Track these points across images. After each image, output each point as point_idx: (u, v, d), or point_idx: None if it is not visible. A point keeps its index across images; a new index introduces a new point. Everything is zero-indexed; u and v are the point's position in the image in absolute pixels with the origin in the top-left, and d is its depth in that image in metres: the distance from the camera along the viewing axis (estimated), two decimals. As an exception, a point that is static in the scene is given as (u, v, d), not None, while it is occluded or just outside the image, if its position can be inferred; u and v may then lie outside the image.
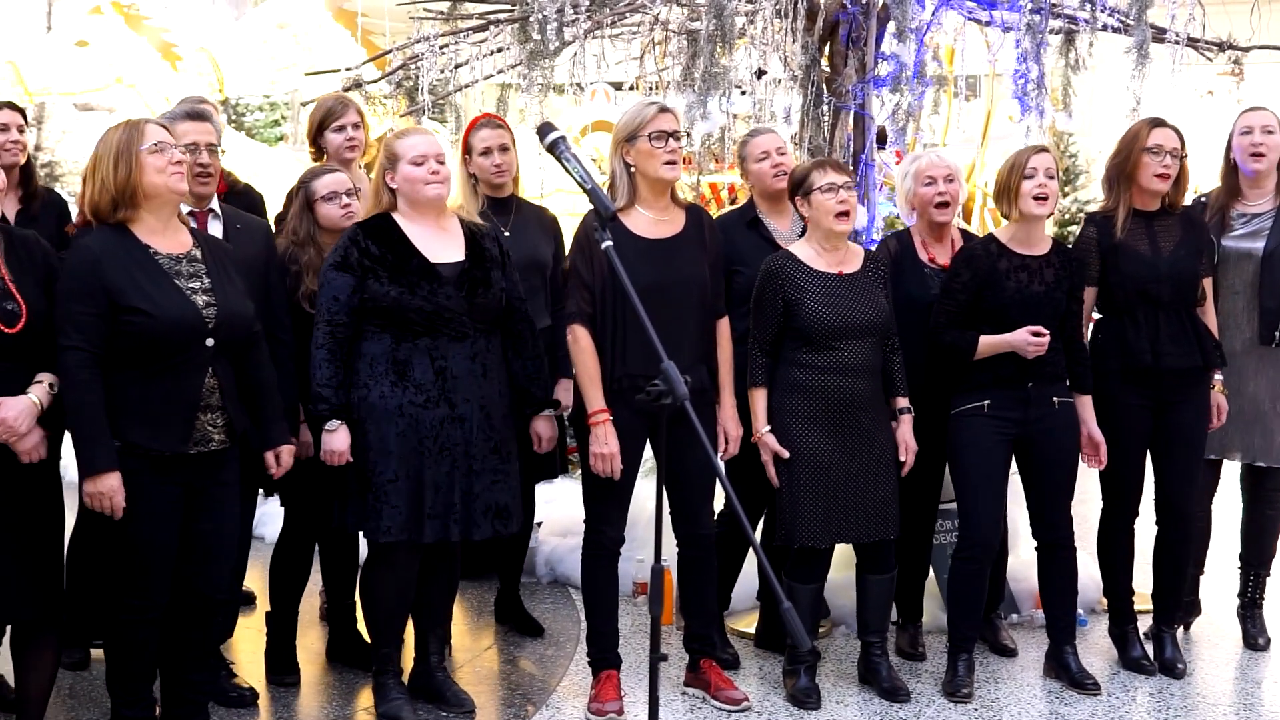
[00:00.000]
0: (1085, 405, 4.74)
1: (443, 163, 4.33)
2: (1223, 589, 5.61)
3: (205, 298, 3.81)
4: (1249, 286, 5.00)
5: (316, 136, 5.15)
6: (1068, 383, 4.71)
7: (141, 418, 3.72)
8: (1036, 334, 4.48)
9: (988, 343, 4.57)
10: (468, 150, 5.10)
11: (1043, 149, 4.66)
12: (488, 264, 4.36)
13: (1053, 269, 4.64)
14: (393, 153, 4.32)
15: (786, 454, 4.48)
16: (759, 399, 4.55)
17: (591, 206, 3.69)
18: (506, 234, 4.98)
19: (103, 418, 3.66)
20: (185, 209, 4.10)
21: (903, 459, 4.62)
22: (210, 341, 3.80)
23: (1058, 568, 4.77)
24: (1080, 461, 4.75)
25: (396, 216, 4.33)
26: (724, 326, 4.56)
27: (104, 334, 3.67)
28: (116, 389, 3.69)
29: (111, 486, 3.65)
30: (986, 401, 4.61)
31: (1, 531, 3.63)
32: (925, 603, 5.22)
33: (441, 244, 4.33)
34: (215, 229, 4.40)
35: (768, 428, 4.53)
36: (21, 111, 5.15)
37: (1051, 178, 4.57)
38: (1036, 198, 4.56)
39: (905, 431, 4.64)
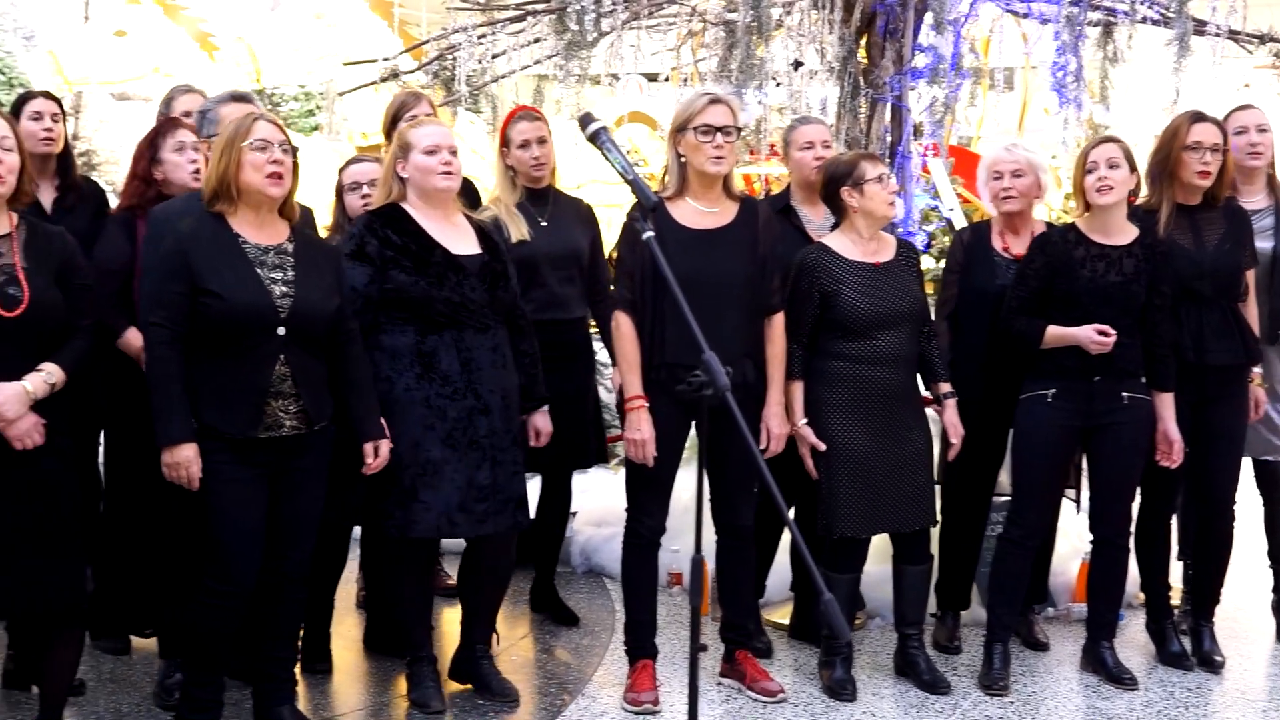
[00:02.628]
0: (1164, 403, 4.64)
1: (455, 154, 4.34)
2: (1248, 583, 5.60)
3: (284, 289, 3.86)
4: (1255, 285, 4.95)
5: (390, 129, 5.16)
6: (1143, 379, 4.64)
7: (213, 399, 3.79)
8: (1103, 333, 4.45)
9: (1054, 334, 4.55)
10: (505, 142, 5.10)
11: (1105, 140, 4.63)
12: (503, 257, 4.40)
13: (1133, 260, 4.58)
14: (406, 142, 4.33)
15: (823, 446, 4.49)
16: (795, 391, 4.56)
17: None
18: (544, 224, 5.00)
19: (180, 391, 3.74)
20: None
21: (953, 441, 4.64)
22: (281, 330, 3.84)
23: (1107, 565, 4.74)
24: (1156, 460, 4.67)
25: (407, 206, 4.34)
26: (777, 322, 4.52)
27: (185, 313, 3.76)
28: (193, 369, 3.78)
29: (187, 457, 3.72)
30: (1052, 390, 4.59)
31: (20, 523, 3.64)
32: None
33: (455, 236, 4.35)
34: None
35: (804, 420, 4.53)
36: (58, 101, 5.17)
37: (1114, 167, 4.52)
38: (1099, 189, 4.55)
39: (951, 415, 4.65)
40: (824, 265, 4.53)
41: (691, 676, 3.12)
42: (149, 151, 4.61)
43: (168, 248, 3.84)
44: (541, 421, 4.59)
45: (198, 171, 4.59)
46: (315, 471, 4.04)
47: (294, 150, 3.98)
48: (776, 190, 5.37)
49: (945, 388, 4.68)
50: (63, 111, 5.15)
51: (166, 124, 4.70)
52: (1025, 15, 6.31)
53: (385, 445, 4.13)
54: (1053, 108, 6.31)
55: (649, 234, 3.31)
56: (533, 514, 4.75)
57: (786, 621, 5.30)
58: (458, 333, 4.24)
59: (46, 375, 3.65)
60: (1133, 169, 4.60)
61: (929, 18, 5.85)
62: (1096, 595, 4.81)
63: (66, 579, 3.74)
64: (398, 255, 4.22)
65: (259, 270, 3.86)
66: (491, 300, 4.29)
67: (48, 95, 5.13)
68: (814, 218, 5.03)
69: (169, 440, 3.73)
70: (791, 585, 5.38)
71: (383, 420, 4.15)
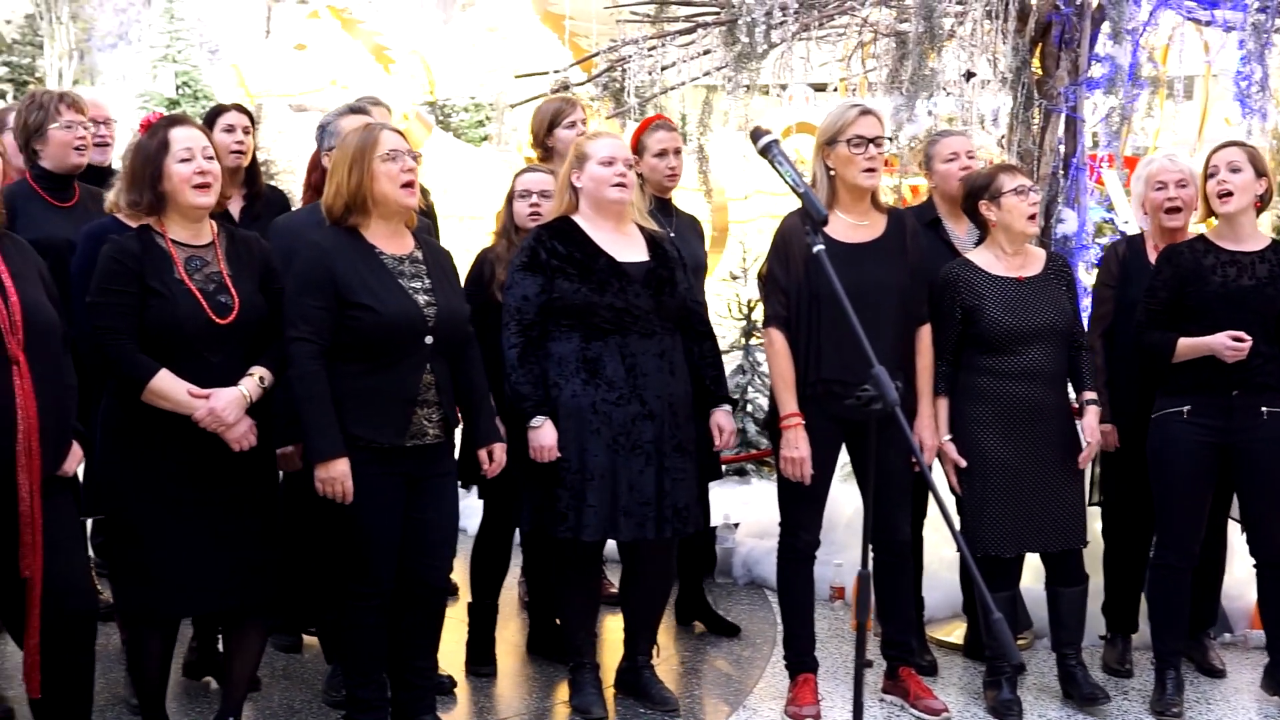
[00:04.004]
0: None
1: (631, 167, 4.39)
2: None
3: (426, 297, 3.94)
4: None
5: (545, 136, 5.23)
6: None
7: (362, 410, 3.85)
8: (1237, 339, 4.31)
9: (1186, 345, 4.42)
10: (639, 150, 5.13)
11: (1229, 144, 4.49)
12: (671, 264, 4.41)
13: (1267, 265, 4.44)
14: (582, 153, 4.39)
15: (964, 463, 4.45)
16: (940, 407, 4.52)
17: (795, 210, 3.67)
18: (670, 235, 5.03)
19: (330, 406, 3.80)
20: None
21: (1088, 441, 4.52)
22: (429, 339, 3.91)
23: (1273, 588, 4.58)
24: None
25: (577, 218, 4.39)
26: (925, 334, 4.49)
27: (331, 327, 3.82)
28: (339, 382, 3.83)
29: (341, 472, 3.79)
30: (1187, 407, 4.46)
31: (231, 523, 3.78)
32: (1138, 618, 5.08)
33: (624, 245, 4.38)
34: None
35: (949, 436, 4.49)
36: (248, 114, 5.33)
37: (1236, 171, 4.38)
38: (1220, 195, 4.41)
39: (1090, 420, 4.55)
40: (965, 280, 4.48)
41: (856, 692, 3.11)
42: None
43: (309, 261, 3.89)
44: (724, 419, 4.54)
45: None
46: (451, 476, 4.12)
47: (417, 157, 4.03)
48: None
49: (1089, 395, 4.58)
50: (253, 124, 5.31)
51: None
52: (1208, 23, 6.12)
53: (500, 450, 4.19)
54: (1234, 118, 6.11)
55: (819, 247, 3.29)
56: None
57: (952, 639, 5.23)
58: (622, 339, 4.27)
59: (259, 379, 3.78)
60: (1260, 174, 4.44)
61: (1106, 27, 5.72)
62: (1272, 619, 4.62)
63: (264, 575, 3.89)
64: (563, 264, 4.27)
65: (400, 281, 3.93)
66: (657, 306, 4.31)
67: (239, 109, 5.28)
68: (959, 233, 4.98)
69: (323, 456, 3.79)
70: (964, 606, 5.28)
71: (500, 425, 4.24)
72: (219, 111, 5.23)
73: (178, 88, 13.56)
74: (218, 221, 3.91)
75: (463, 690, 4.75)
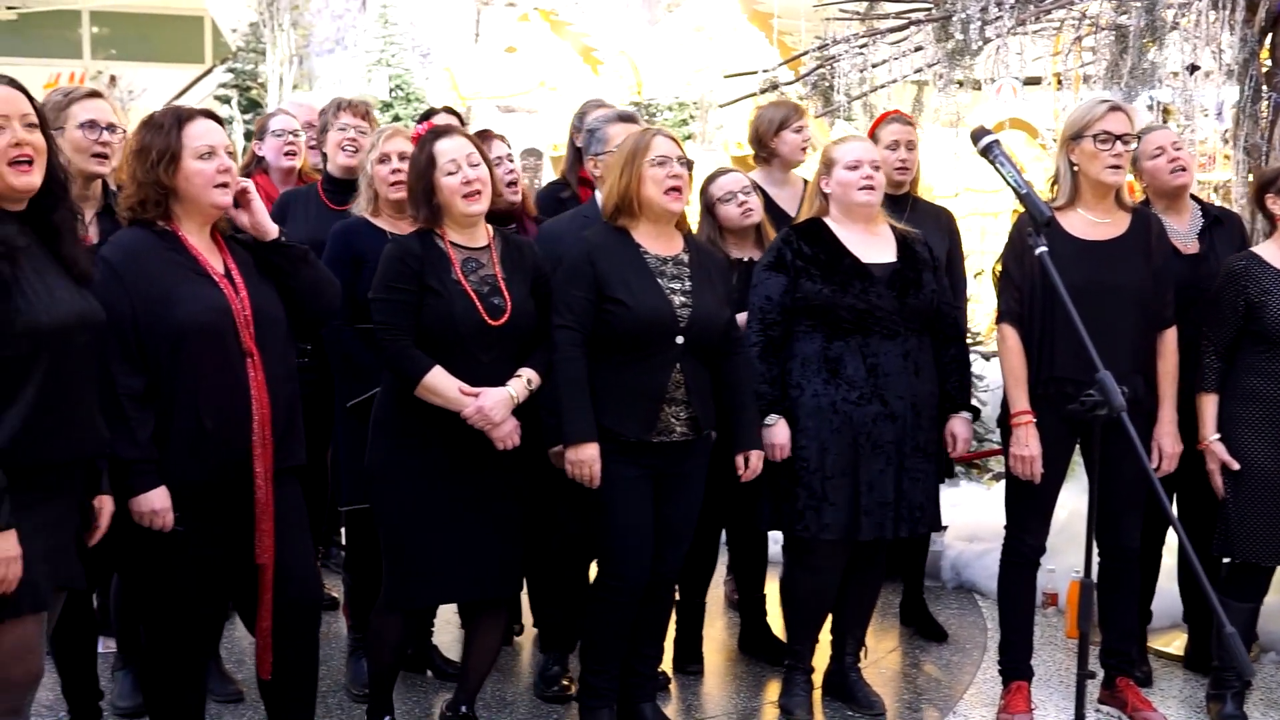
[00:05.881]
0: None
1: (878, 169, 4.36)
2: None
3: (683, 298, 4.00)
4: None
5: (771, 139, 5.19)
6: None
7: (611, 403, 3.94)
8: None
9: None
10: (873, 141, 5.07)
11: None
12: (919, 266, 4.36)
13: None
14: (830, 158, 4.40)
15: (1236, 465, 4.29)
16: (1208, 405, 4.36)
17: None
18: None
19: (586, 392, 3.91)
20: None
21: None
22: (680, 339, 3.98)
23: None
24: None
25: (828, 220, 4.40)
26: (1169, 336, 4.35)
27: (592, 318, 3.93)
28: (593, 374, 3.93)
29: (591, 455, 3.88)
30: None
31: (489, 518, 3.89)
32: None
33: (872, 246, 4.36)
34: None
35: (1216, 435, 4.33)
36: (459, 116, 5.35)
37: None
38: None
39: None
40: (1252, 274, 4.31)
41: (1078, 703, 3.06)
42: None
43: (576, 255, 4.01)
44: (960, 428, 4.48)
45: (513, 184, 4.80)
46: (696, 476, 4.15)
47: (690, 164, 4.09)
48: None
49: None
50: (462, 125, 5.41)
51: (480, 138, 4.75)
52: None
53: (757, 456, 4.19)
54: None
55: (1042, 249, 3.24)
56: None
57: (1171, 649, 5.07)
58: (864, 339, 4.26)
59: (527, 381, 3.89)
60: None
61: (1342, 16, 5.49)
62: None
63: (512, 570, 4.01)
64: (808, 265, 4.28)
65: (659, 280, 4.00)
66: (901, 307, 4.28)
67: (449, 110, 5.37)
68: (1179, 227, 4.79)
69: (575, 438, 3.89)
70: (1185, 615, 5.11)
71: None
72: (429, 115, 5.29)
73: (390, 90, 13.96)
74: (495, 227, 4.03)
75: (672, 688, 4.79)
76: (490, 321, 3.80)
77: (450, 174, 3.81)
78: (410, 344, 3.77)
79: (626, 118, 4.86)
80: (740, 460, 4.18)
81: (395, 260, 3.81)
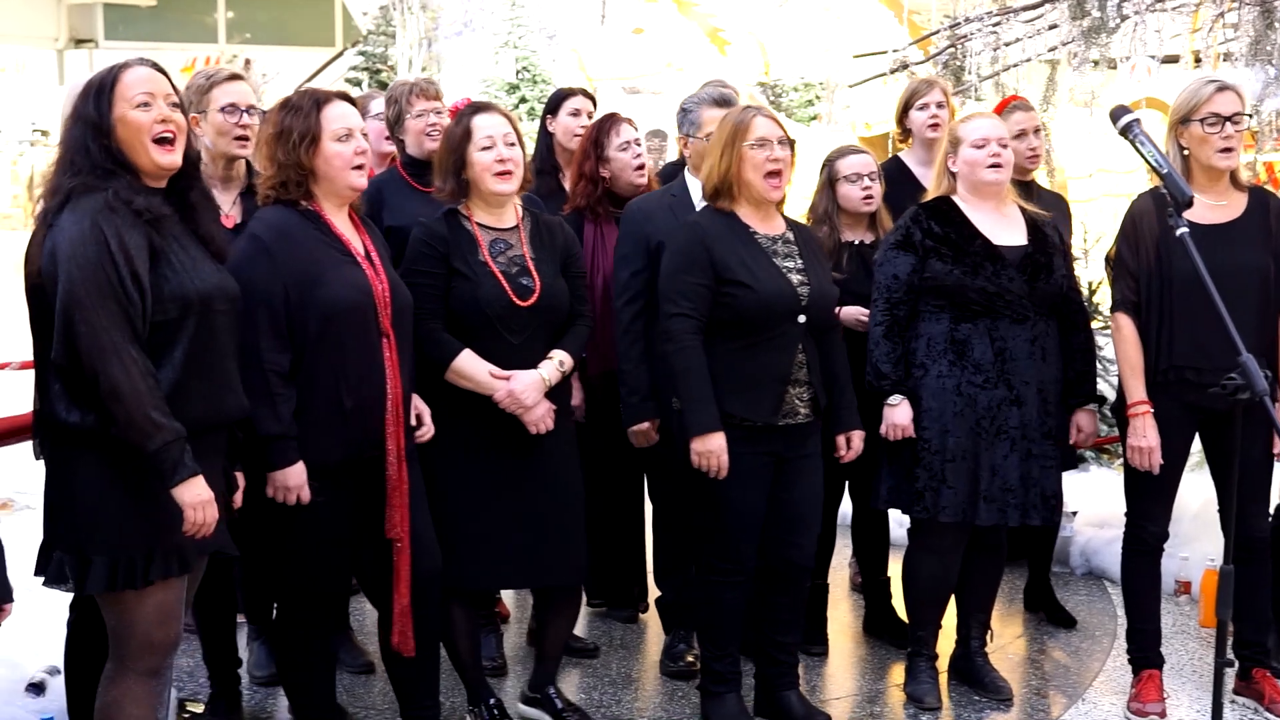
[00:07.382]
0: None
1: (1005, 146, 4.30)
2: None
3: (799, 277, 3.98)
4: None
5: (902, 117, 5.20)
6: None
7: (737, 388, 3.91)
8: None
9: None
10: None
11: None
12: (1050, 250, 4.30)
13: None
14: (956, 136, 4.34)
15: None
16: None
17: (1146, 191, 3.54)
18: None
19: (708, 381, 3.87)
20: None
21: None
22: (802, 319, 3.96)
23: None
24: None
25: (956, 199, 4.35)
26: None
27: (709, 304, 3.90)
28: (715, 360, 3.91)
29: (719, 445, 3.85)
30: None
31: (532, 504, 3.88)
32: None
33: (1003, 228, 4.31)
34: None
35: None
36: (592, 99, 5.36)
37: None
38: None
39: None
40: None
41: (1215, 693, 3.01)
42: (594, 151, 4.74)
43: (688, 240, 3.97)
44: (1084, 419, 4.43)
45: (641, 168, 4.75)
46: (817, 456, 4.12)
47: (792, 144, 4.03)
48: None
49: None
50: (595, 107, 5.43)
51: (608, 122, 4.80)
52: None
53: (858, 437, 4.18)
54: None
55: (1183, 230, 3.18)
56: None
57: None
58: (992, 322, 4.21)
59: (559, 363, 3.88)
60: None
61: None
62: None
63: (568, 556, 3.98)
64: (938, 245, 4.24)
65: (774, 260, 3.97)
66: (1031, 291, 4.22)
67: (585, 94, 5.33)
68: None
69: (700, 430, 3.85)
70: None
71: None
72: (565, 95, 5.27)
73: (517, 73, 14.09)
74: (526, 207, 4.01)
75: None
76: (519, 302, 3.79)
77: (485, 149, 3.81)
78: (439, 328, 3.77)
79: (721, 102, 4.69)
80: (841, 441, 4.17)
81: (420, 244, 3.81)
